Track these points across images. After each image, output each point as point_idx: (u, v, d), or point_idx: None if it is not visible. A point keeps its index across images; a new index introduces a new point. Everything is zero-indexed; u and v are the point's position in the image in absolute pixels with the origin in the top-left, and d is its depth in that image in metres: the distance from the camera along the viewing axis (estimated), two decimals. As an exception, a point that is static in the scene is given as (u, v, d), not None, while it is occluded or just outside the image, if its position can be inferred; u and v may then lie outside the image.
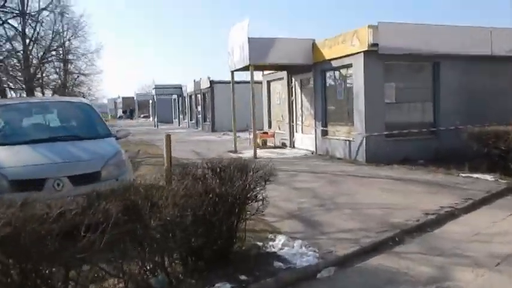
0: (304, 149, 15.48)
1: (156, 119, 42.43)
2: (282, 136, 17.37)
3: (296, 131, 16.59)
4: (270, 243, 5.27)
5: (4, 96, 19.98)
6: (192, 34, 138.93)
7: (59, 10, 24.54)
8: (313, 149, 14.83)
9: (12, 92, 23.11)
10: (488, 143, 9.95)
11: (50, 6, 22.85)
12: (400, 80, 12.94)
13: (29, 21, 22.12)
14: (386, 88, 12.36)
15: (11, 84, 22.85)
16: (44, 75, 27.23)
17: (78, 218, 3.37)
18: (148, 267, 4.05)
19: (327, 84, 14.46)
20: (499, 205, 7.40)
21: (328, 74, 14.40)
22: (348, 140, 12.79)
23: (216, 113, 29.08)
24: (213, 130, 28.93)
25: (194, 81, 33.53)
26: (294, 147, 16.47)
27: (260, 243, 5.25)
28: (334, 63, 13.47)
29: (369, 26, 11.73)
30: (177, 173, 4.76)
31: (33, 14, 21.15)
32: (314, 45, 14.43)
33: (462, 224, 6.33)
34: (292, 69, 16.15)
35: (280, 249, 5.05)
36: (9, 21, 19.22)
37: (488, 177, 9.30)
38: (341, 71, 13.64)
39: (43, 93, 27.50)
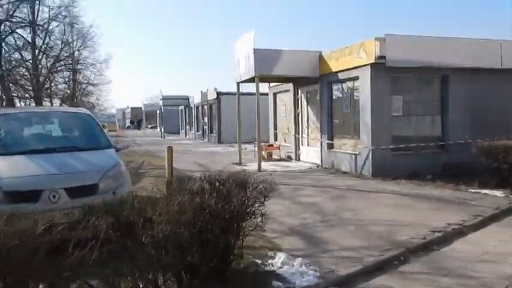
0: (309, 162, 15.29)
1: (163, 129, 42.46)
2: (287, 149, 17.20)
3: (302, 144, 16.42)
4: (269, 261, 5.09)
5: (12, 105, 20.07)
6: (202, 44, 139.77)
7: (69, 20, 24.78)
8: (318, 162, 14.64)
9: (21, 102, 23.28)
10: (498, 158, 9.72)
11: (60, 16, 23.08)
12: (407, 92, 12.76)
13: (39, 31, 22.36)
14: (393, 101, 12.18)
15: (19, 93, 23.04)
16: (52, 84, 27.43)
17: (67, 233, 3.25)
18: (140, 285, 3.90)
19: (334, 97, 14.31)
20: (509, 222, 7.15)
21: (334, 87, 14.26)
22: (354, 154, 12.59)
23: (222, 125, 29.00)
24: (219, 142, 28.83)
25: (201, 92, 33.56)
26: (299, 160, 16.28)
27: (259, 261, 5.07)
28: (341, 76, 13.34)
29: (376, 38, 11.60)
30: (174, 187, 4.61)
31: (42, 24, 21.27)
32: (321, 57, 14.32)
33: (470, 242, 6.10)
34: (298, 81, 16.04)
35: (280, 267, 4.87)
36: (19, 31, 19.43)
37: (498, 193, 9.06)
38: (348, 83, 13.49)
39: (51, 103, 27.66)
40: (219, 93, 29.36)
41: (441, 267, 5.08)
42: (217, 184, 4.75)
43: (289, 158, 16.86)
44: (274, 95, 18.81)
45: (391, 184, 10.67)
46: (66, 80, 30.12)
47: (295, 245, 5.95)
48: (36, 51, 22.54)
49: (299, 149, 16.51)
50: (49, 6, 22.09)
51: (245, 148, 19.71)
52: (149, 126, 69.20)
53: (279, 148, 17.72)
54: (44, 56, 24.06)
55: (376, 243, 5.86)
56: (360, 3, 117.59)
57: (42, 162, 5.62)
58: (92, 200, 4.79)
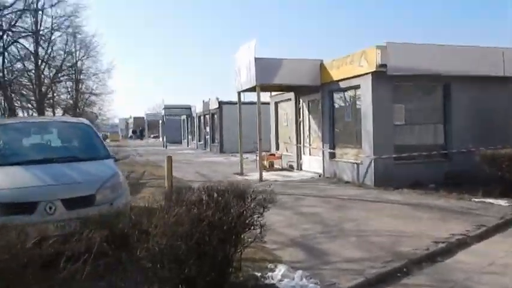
0: (311, 172, 15.19)
1: (165, 139, 42.44)
2: (289, 158, 17.10)
3: (304, 153, 16.32)
4: (269, 273, 4.97)
5: (14, 115, 20.06)
6: (204, 53, 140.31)
7: (71, 31, 24.85)
8: (320, 171, 14.53)
9: (24, 112, 23.27)
10: (502, 167, 9.62)
11: (63, 26, 23.15)
12: (409, 101, 12.69)
13: (41, 41, 22.42)
14: (395, 109, 12.09)
15: (23, 103, 23.06)
16: (55, 94, 27.46)
17: (59, 246, 3.16)
18: (136, 300, 3.81)
19: (335, 106, 14.25)
20: (514, 233, 7.02)
21: (336, 95, 14.20)
22: (356, 163, 12.48)
23: (224, 134, 28.92)
24: (221, 151, 28.74)
25: (203, 101, 33.56)
26: (301, 169, 16.18)
27: (258, 274, 4.96)
28: (342, 84, 13.28)
29: (377, 47, 11.54)
30: (171, 198, 4.52)
31: (43, 33, 21.33)
32: (322, 66, 14.28)
33: (475, 253, 5.97)
34: (299, 90, 16.00)
35: (280, 280, 4.76)
36: (22, 41, 19.46)
37: (502, 202, 8.93)
38: (349, 92, 13.43)
39: (54, 113, 27.67)
40: (220, 103, 29.34)
41: (445, 279, 4.97)
42: (215, 195, 4.67)
43: (291, 168, 16.76)
44: (276, 104, 18.76)
45: (394, 194, 10.55)
46: (69, 90, 30.17)
47: (296, 256, 5.83)
48: (39, 61, 22.59)
49: (301, 159, 16.41)
50: (52, 17, 22.18)
51: (247, 158, 19.62)
52: (152, 135, 69.24)
53: (280, 158, 17.62)
54: (47, 66, 24.13)
55: (378, 255, 5.74)
56: (361, 11, 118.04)
57: (39, 172, 5.55)
58: (89, 212, 4.71)
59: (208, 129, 33.39)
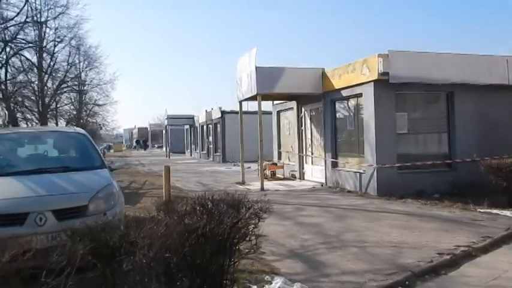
0: (313, 181, 15.00)
1: (168, 149, 42.37)
2: (291, 167, 16.93)
3: (306, 162, 16.16)
4: (266, 286, 4.80)
5: (17, 126, 20.01)
6: (207, 63, 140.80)
7: (75, 43, 24.91)
8: (323, 180, 14.34)
9: (28, 123, 23.25)
10: (507, 177, 9.40)
11: (66, 38, 23.19)
12: (412, 109, 12.53)
13: (45, 54, 22.47)
14: (398, 118, 11.93)
15: (27, 115, 23.08)
16: (58, 105, 27.47)
17: (39, 260, 3.01)
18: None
19: (337, 114, 14.11)
20: (521, 244, 6.80)
21: (338, 104, 14.06)
22: (359, 172, 12.30)
23: (226, 144, 28.81)
24: (224, 161, 28.60)
25: (206, 111, 33.53)
26: (303, 178, 15.99)
27: (254, 286, 4.79)
28: (344, 93, 13.16)
29: (379, 55, 11.42)
30: (163, 208, 4.36)
31: (46, 45, 21.37)
32: (323, 75, 14.17)
33: (480, 265, 5.76)
34: (301, 99, 15.88)
35: (276, 293, 4.58)
36: (25, 53, 19.48)
37: (508, 213, 8.72)
38: (351, 100, 13.30)
39: (57, 124, 27.67)
40: (223, 112, 29.26)
41: (449, 293, 4.77)
42: (209, 205, 4.52)
43: (293, 177, 16.58)
44: (278, 113, 18.64)
45: (397, 203, 10.34)
46: (72, 101, 30.16)
47: (294, 268, 5.65)
48: (42, 73, 22.60)
49: (303, 168, 16.23)
50: (55, 28, 22.25)
51: (249, 167, 19.49)
52: (156, 145, 69.28)
53: (282, 167, 17.45)
54: (50, 77, 24.16)
55: (380, 267, 5.55)
56: (364, 18, 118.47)
57: (30, 183, 5.42)
58: (81, 223, 4.57)
59: (211, 138, 33.31)
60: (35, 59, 21.77)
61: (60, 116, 28.51)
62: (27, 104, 22.62)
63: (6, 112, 20.03)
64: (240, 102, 16.14)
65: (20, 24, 16.01)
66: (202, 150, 36.72)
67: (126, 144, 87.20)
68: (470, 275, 5.37)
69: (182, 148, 47.02)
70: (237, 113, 17.05)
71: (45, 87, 23.58)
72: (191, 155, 41.65)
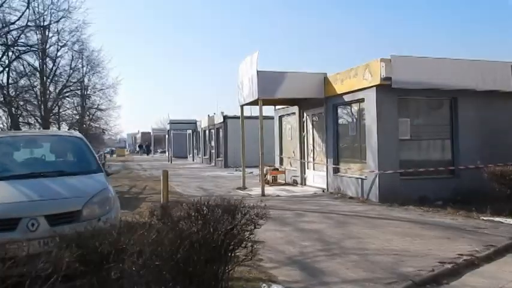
0: (315, 187, 14.87)
1: (171, 154, 42.32)
2: (293, 173, 16.80)
3: (307, 168, 16.03)
4: (262, 294, 4.68)
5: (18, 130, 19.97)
6: (210, 67, 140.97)
7: (77, 47, 24.92)
8: (324, 186, 14.21)
9: (32, 127, 23.21)
10: (511, 184, 9.26)
11: (68, 43, 23.21)
12: (415, 115, 12.41)
13: (47, 58, 22.50)
14: (400, 124, 11.80)
15: (30, 119, 23.06)
16: (60, 110, 27.45)
17: (23, 267, 2.90)
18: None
19: (339, 120, 14.00)
20: (525, 254, 6.64)
21: (340, 109, 13.96)
22: (361, 178, 12.16)
23: (228, 149, 28.71)
24: (226, 166, 28.50)
25: (208, 116, 33.48)
26: (305, 184, 15.86)
27: (250, 295, 4.67)
28: (346, 98, 13.05)
29: (382, 60, 11.32)
30: (156, 214, 4.25)
31: (48, 49, 21.39)
32: (326, 80, 14.07)
33: (483, 275, 5.60)
34: (303, 104, 15.78)
35: (272, 302, 4.45)
36: (27, 57, 19.47)
37: (512, 221, 8.55)
38: (353, 105, 13.19)
39: (59, 128, 27.64)
40: (225, 117, 29.19)
41: (451, 303, 4.63)
42: (205, 211, 4.41)
43: (294, 183, 16.45)
44: (280, 118, 18.55)
45: (399, 210, 10.20)
46: (75, 105, 30.14)
47: (292, 276, 5.51)
48: (44, 77, 22.60)
49: (305, 173, 16.10)
50: (58, 33, 22.26)
51: (251, 172, 19.40)
52: (159, 150, 69.22)
53: (284, 172, 17.33)
54: (52, 82, 24.15)
55: (380, 275, 5.42)
56: (365, 25, 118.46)
57: (23, 188, 5.32)
58: (74, 228, 4.47)
59: (213, 143, 33.23)
60: (37, 64, 21.81)
61: (63, 121, 28.50)
62: (29, 109, 22.63)
63: (8, 117, 20.03)
64: (242, 106, 16.06)
65: (22, 28, 15.98)
66: (204, 155, 36.64)
67: (129, 149, 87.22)
68: (473, 285, 5.22)
69: (185, 153, 46.97)
70: (239, 117, 16.98)
71: (48, 92, 23.59)
72: (193, 160, 41.58)
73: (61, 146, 6.89)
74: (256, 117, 19.97)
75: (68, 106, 28.93)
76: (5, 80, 18.86)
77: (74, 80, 26.82)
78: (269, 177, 16.70)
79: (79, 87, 28.78)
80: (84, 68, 28.49)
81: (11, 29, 16.60)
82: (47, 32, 21.26)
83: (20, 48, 17.20)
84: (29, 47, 17.07)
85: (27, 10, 16.19)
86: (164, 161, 42.75)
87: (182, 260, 3.69)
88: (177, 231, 3.62)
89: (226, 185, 17.12)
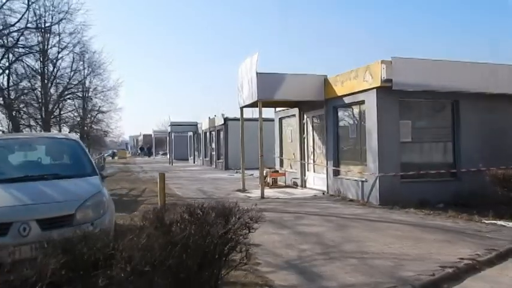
0: (315, 189, 14.75)
1: (172, 156, 42.23)
2: (293, 175, 16.68)
3: (308, 170, 15.91)
4: (257, 300, 4.57)
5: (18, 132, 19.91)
6: (212, 68, 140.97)
7: (79, 49, 24.88)
8: (324, 189, 14.09)
9: (32, 130, 23.16)
10: (514, 187, 9.15)
11: (69, 45, 23.18)
12: (416, 117, 12.28)
13: (47, 60, 22.46)
14: (401, 126, 11.67)
15: (31, 121, 23.01)
16: (61, 112, 27.41)
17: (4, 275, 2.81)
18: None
19: (340, 122, 13.88)
20: (527, 258, 6.52)
21: (340, 111, 13.84)
22: (361, 180, 12.05)
23: (229, 151, 28.58)
24: (227, 168, 28.38)
25: (209, 118, 33.38)
26: (305, 186, 15.74)
27: (245, 301, 4.56)
28: (347, 100, 12.94)
29: (382, 61, 11.21)
30: (148, 218, 4.15)
31: (49, 51, 21.36)
32: (326, 81, 13.96)
33: (484, 279, 5.49)
34: (304, 106, 15.68)
35: (267, 308, 4.35)
36: (28, 59, 19.42)
37: (514, 224, 8.43)
38: (354, 107, 13.08)
39: (60, 131, 27.61)
40: (226, 119, 29.09)
41: (451, 309, 4.51)
42: (199, 214, 4.31)
43: (295, 185, 16.34)
44: (280, 120, 18.44)
45: (399, 213, 10.08)
46: (76, 107, 30.10)
47: (289, 280, 5.40)
48: (45, 79, 22.56)
49: (305, 176, 15.99)
50: (59, 34, 22.23)
51: (251, 174, 19.28)
52: (160, 152, 69.16)
53: (284, 174, 17.21)
54: (54, 84, 24.12)
55: (380, 280, 5.30)
56: (366, 26, 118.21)
57: (15, 191, 5.23)
58: (67, 232, 4.38)
59: (214, 145, 33.13)
60: (38, 65, 21.77)
61: (64, 123, 28.46)
62: (30, 111, 22.58)
63: (9, 119, 19.98)
64: (241, 108, 15.96)
65: (21, 30, 15.94)
66: (205, 157, 36.54)
67: (131, 151, 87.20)
68: (474, 290, 5.12)
69: (186, 155, 46.86)
70: (239, 119, 16.89)
71: (49, 94, 23.54)
72: (194, 162, 41.48)
73: (56, 149, 6.80)
74: (256, 119, 19.89)
75: (69, 108, 28.93)
76: (5, 83, 18.85)
77: (75, 82, 26.80)
78: (269, 180, 16.60)
79: (80, 90, 28.76)
80: (85, 70, 28.49)
81: (11, 30, 16.57)
82: (47, 34, 21.24)
83: (20, 50, 17.15)
84: (28, 49, 16.99)
85: (27, 12, 16.13)
86: (165, 163, 42.67)
87: (174, 266, 3.59)
88: (168, 236, 3.52)
89: (226, 187, 17.01)
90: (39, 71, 22.04)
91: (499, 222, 8.64)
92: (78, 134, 32.82)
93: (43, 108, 22.66)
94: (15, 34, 16.69)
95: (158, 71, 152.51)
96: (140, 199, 13.77)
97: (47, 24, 19.87)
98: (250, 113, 27.65)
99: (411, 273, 5.50)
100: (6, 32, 16.14)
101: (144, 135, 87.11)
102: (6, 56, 17.00)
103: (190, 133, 43.06)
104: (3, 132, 20.16)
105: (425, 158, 12.21)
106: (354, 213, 10.16)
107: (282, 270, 5.86)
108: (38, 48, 19.32)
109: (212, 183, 18.91)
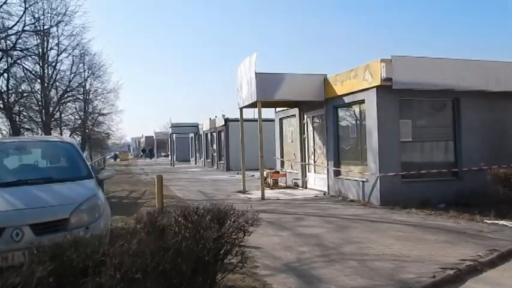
0: (316, 190, 14.66)
1: (173, 157, 42.19)
2: (294, 176, 16.59)
3: (308, 171, 15.81)
4: (254, 305, 4.49)
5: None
6: (213, 68, 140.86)
7: (78, 52, 24.84)
8: (325, 189, 14.00)
9: (33, 133, 23.11)
10: (515, 186, 9.05)
11: (69, 48, 23.14)
12: (417, 116, 12.17)
13: (46, 63, 22.41)
14: (401, 125, 11.57)
15: (32, 124, 22.96)
16: (62, 115, 27.37)
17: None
18: None
19: (340, 121, 13.78)
20: (530, 258, 6.41)
21: (340, 111, 13.74)
22: (362, 181, 11.95)
23: (230, 152, 28.49)
24: (228, 169, 28.30)
25: (210, 119, 33.30)
26: (306, 187, 15.65)
27: (242, 305, 4.48)
28: (347, 99, 12.85)
29: (382, 60, 11.10)
30: (141, 222, 4.07)
31: (48, 54, 21.31)
32: (325, 81, 13.87)
33: (486, 281, 5.39)
34: (304, 106, 15.59)
35: (264, 313, 4.26)
36: (27, 63, 19.36)
37: (517, 224, 8.32)
38: (353, 107, 12.98)
39: (61, 134, 27.56)
40: (226, 120, 29.01)
41: (452, 313, 4.42)
42: (194, 217, 4.23)
43: (296, 186, 16.24)
44: (281, 120, 18.34)
45: (400, 213, 9.98)
46: (77, 110, 30.06)
47: (288, 284, 5.31)
48: (45, 82, 22.52)
49: (306, 176, 15.89)
50: (58, 37, 22.19)
51: (253, 175, 19.21)
52: (163, 154, 69.14)
53: (285, 175, 17.12)
54: (53, 87, 24.07)
55: (379, 283, 5.22)
56: (365, 22, 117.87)
57: (8, 196, 5.16)
58: (61, 237, 4.31)
59: (215, 146, 33.06)
60: (37, 68, 21.72)
61: (65, 126, 28.41)
62: (31, 114, 22.53)
63: (9, 122, 19.93)
64: (241, 109, 15.89)
65: (19, 33, 15.89)
66: (206, 159, 36.47)
67: (133, 153, 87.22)
68: (475, 292, 5.02)
69: (187, 156, 46.83)
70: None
71: (49, 97, 23.49)
72: (196, 164, 41.42)
73: (50, 152, 6.73)
74: (256, 120, 19.82)
75: (69, 111, 28.89)
76: (4, 86, 18.81)
77: (75, 85, 26.75)
78: (270, 181, 16.53)
79: (81, 92, 28.72)
80: (86, 73, 28.46)
81: (9, 33, 16.52)
82: (46, 37, 21.20)
83: (18, 53, 17.09)
84: (26, 51, 16.94)
85: (24, 15, 16.07)
86: (167, 164, 42.62)
87: (167, 271, 3.51)
88: (160, 241, 3.44)
89: (227, 188, 16.94)
90: (39, 74, 22.00)
91: (501, 222, 8.54)
92: (80, 137, 32.90)
93: (43, 111, 22.62)
94: (13, 37, 16.67)
95: (158, 72, 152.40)
96: (140, 201, 13.71)
97: (45, 27, 19.80)
98: (250, 113, 27.68)
99: (411, 276, 5.41)
100: (3, 35, 16.10)
101: (146, 137, 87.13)
102: (4, 59, 16.95)
103: (192, 134, 43.01)
104: (4, 136, 20.12)
105: (426, 157, 12.12)
106: (355, 214, 10.06)
107: (280, 273, 5.77)
108: (36, 51, 19.30)
109: (213, 185, 18.84)
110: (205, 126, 35.31)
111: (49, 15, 19.67)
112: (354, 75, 12.23)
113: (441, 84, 11.49)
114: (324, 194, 13.85)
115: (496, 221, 8.62)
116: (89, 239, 3.62)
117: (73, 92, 26.76)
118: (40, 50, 21.51)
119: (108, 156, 64.01)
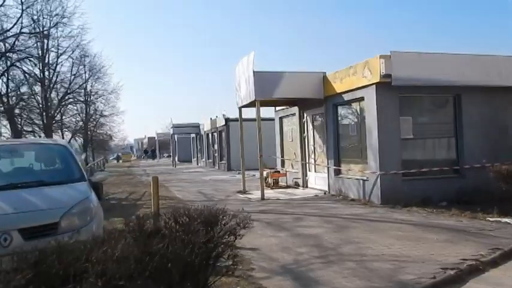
0: (317, 189, 14.51)
1: (175, 158, 42.11)
2: (295, 175, 16.45)
3: (309, 170, 15.67)
4: (248, 309, 4.36)
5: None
6: (214, 68, 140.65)
7: (78, 53, 24.79)
8: (326, 188, 13.86)
9: (36, 135, 23.06)
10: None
11: (68, 50, 23.09)
12: (417, 113, 12.00)
13: (46, 65, 22.38)
14: (402, 122, 11.40)
15: (33, 126, 22.92)
16: (63, 117, 27.35)
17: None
18: None
19: (339, 119, 13.63)
20: (533, 257, 6.26)
21: (340, 109, 13.59)
22: (362, 179, 11.80)
23: (231, 152, 28.35)
24: (229, 169, 28.18)
25: (211, 119, 33.20)
26: (306, 186, 15.51)
27: (235, 310, 4.36)
28: (346, 97, 12.69)
29: (381, 56, 10.95)
30: (129, 225, 3.95)
31: (47, 56, 21.26)
32: (325, 79, 13.72)
33: (488, 281, 5.25)
34: (303, 105, 15.44)
35: (258, 318, 4.14)
36: (26, 65, 19.29)
37: (520, 221, 8.16)
38: (353, 104, 12.83)
39: (62, 136, 27.55)
40: (227, 120, 28.89)
41: (452, 315, 4.28)
42: (186, 219, 4.11)
43: (296, 185, 16.10)
44: (280, 119, 18.20)
45: (401, 212, 9.84)
46: (78, 112, 30.02)
47: (283, 286, 5.20)
48: (45, 84, 22.48)
49: (306, 175, 15.75)
50: (57, 39, 22.14)
51: (253, 175, 19.07)
52: (165, 155, 69.13)
53: (285, 175, 16.98)
54: (54, 89, 24.05)
55: (378, 284, 5.09)
56: (364, 20, 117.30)
57: None
58: (50, 241, 4.19)
59: (216, 146, 32.95)
60: (36, 70, 21.68)
61: (66, 128, 28.38)
62: (32, 117, 22.50)
63: (9, 125, 19.90)
64: (240, 108, 15.77)
65: (16, 35, 15.84)
66: (208, 159, 36.38)
67: (136, 154, 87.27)
68: (477, 293, 4.88)
69: (189, 157, 46.78)
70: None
71: (49, 99, 23.45)
72: (197, 164, 41.34)
73: (43, 155, 6.62)
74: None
75: (70, 113, 28.86)
76: (3, 89, 18.78)
77: (75, 87, 26.71)
78: (270, 180, 16.40)
79: (81, 94, 28.69)
80: (86, 74, 28.41)
81: (7, 36, 16.48)
82: (45, 39, 21.14)
83: (16, 56, 17.04)
84: (23, 52, 16.88)
85: (21, 18, 16.02)
86: (168, 165, 42.53)
87: (154, 278, 3.38)
88: (147, 246, 3.32)
89: (227, 188, 16.84)
90: (39, 76, 21.96)
91: (504, 220, 8.38)
92: (81, 139, 32.88)
93: (44, 114, 22.58)
94: (11, 39, 16.62)
95: (159, 72, 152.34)
96: (139, 203, 13.62)
97: (43, 29, 19.73)
98: (250, 113, 27.45)
99: (411, 276, 5.28)
100: (1, 37, 16.06)
101: (148, 138, 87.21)
102: (2, 61, 16.90)
103: (193, 135, 42.93)
104: (6, 138, 20.06)
105: (427, 154, 11.96)
106: (355, 213, 9.93)
107: (277, 275, 5.65)
108: (34, 53, 19.24)
109: (213, 185, 18.74)
110: (206, 127, 35.22)
111: (47, 16, 19.60)
112: (353, 72, 12.08)
113: (441, 80, 11.32)
114: (325, 193, 13.71)
115: (499, 219, 8.47)
116: (74, 244, 3.50)
117: (74, 94, 26.75)
118: (40, 52, 21.49)
119: (111, 158, 64.07)
